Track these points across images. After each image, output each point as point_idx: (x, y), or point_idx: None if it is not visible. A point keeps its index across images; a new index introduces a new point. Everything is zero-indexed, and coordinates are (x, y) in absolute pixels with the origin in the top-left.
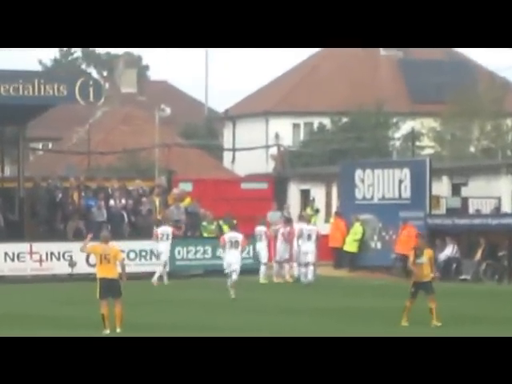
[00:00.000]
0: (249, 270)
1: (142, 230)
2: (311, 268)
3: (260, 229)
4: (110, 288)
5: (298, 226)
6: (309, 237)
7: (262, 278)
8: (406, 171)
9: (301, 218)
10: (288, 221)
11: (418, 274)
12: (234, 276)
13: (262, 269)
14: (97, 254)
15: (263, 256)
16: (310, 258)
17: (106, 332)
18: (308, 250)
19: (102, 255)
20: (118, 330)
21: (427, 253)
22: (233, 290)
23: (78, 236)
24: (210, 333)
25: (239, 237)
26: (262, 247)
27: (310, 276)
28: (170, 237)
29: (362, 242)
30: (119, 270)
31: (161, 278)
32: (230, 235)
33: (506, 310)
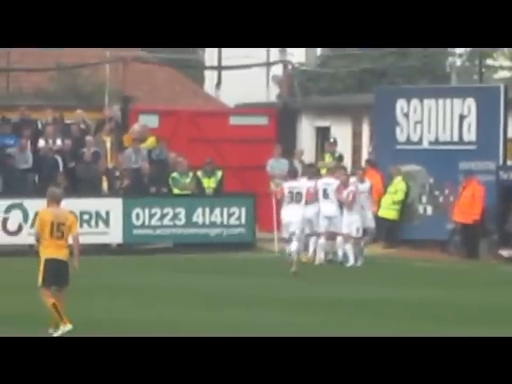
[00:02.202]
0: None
1: (84, 182)
2: (349, 245)
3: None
4: (59, 273)
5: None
6: (325, 194)
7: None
8: (471, 102)
9: (309, 170)
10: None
11: None
12: (295, 242)
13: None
14: (45, 223)
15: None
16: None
17: (68, 328)
18: (331, 212)
19: (53, 224)
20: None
21: None
22: (294, 261)
23: None
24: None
25: (303, 187)
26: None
27: (341, 253)
28: (304, 199)
29: (405, 206)
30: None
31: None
32: (290, 185)
33: None
